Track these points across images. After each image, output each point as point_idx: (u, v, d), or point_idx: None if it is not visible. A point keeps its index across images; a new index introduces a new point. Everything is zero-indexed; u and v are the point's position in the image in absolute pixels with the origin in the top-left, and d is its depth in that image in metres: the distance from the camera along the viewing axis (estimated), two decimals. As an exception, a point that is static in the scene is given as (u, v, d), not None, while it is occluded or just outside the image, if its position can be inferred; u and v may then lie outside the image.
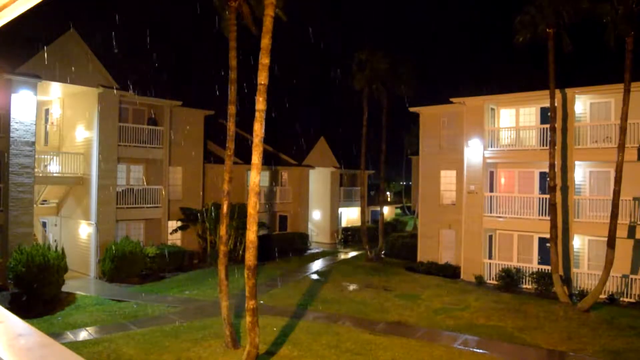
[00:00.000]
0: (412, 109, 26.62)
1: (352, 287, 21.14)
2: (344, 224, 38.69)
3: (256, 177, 12.13)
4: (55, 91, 23.11)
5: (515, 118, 23.06)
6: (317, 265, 26.68)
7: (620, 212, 17.57)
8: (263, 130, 12.02)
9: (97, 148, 22.12)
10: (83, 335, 14.47)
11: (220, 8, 15.05)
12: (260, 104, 11.96)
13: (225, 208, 14.01)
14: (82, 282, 21.27)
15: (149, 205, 24.19)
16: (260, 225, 26.13)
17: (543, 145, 20.68)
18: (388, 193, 54.57)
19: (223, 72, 14.25)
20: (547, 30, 18.30)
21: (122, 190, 23.38)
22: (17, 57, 19.90)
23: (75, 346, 13.08)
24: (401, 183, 65.32)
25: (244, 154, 23.62)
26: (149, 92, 24.40)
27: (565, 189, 20.36)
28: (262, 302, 16.77)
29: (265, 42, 11.89)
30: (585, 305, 17.29)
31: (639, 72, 17.28)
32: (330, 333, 14.73)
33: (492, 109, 23.22)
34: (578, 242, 20.70)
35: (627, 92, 16.75)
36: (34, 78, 19.96)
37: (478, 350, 13.73)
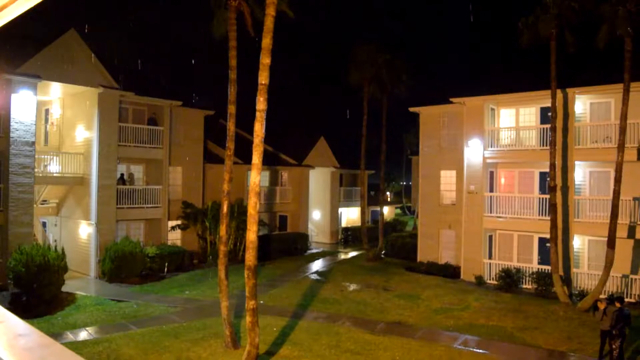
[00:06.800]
0: (412, 109, 26.63)
1: (352, 287, 21.14)
2: (344, 224, 38.67)
3: (256, 177, 12.12)
4: (55, 91, 23.10)
5: (515, 118, 23.05)
6: (317, 265, 26.68)
7: (620, 212, 17.58)
8: (264, 131, 12.01)
9: (97, 148, 22.12)
10: (83, 335, 14.46)
11: (217, 6, 14.95)
12: (261, 104, 11.94)
13: (225, 208, 14.01)
14: (82, 282, 21.27)
15: (149, 205, 24.18)
16: (261, 225, 26.14)
17: (543, 145, 20.68)
18: (388, 193, 54.58)
19: (223, 72, 14.24)
20: (550, 30, 18.28)
21: (122, 190, 23.36)
22: (17, 57, 19.87)
23: (75, 346, 13.07)
24: (401, 183, 65.35)
25: (244, 154, 23.62)
26: (149, 92, 24.42)
27: (565, 189, 20.35)
28: (262, 302, 16.77)
29: (267, 41, 11.85)
30: (585, 305, 17.29)
31: (638, 72, 17.29)
32: (331, 333, 14.73)
33: (492, 109, 23.22)
34: (578, 242, 20.69)
35: (626, 92, 16.76)
36: (34, 78, 19.94)
37: (478, 350, 13.73)
